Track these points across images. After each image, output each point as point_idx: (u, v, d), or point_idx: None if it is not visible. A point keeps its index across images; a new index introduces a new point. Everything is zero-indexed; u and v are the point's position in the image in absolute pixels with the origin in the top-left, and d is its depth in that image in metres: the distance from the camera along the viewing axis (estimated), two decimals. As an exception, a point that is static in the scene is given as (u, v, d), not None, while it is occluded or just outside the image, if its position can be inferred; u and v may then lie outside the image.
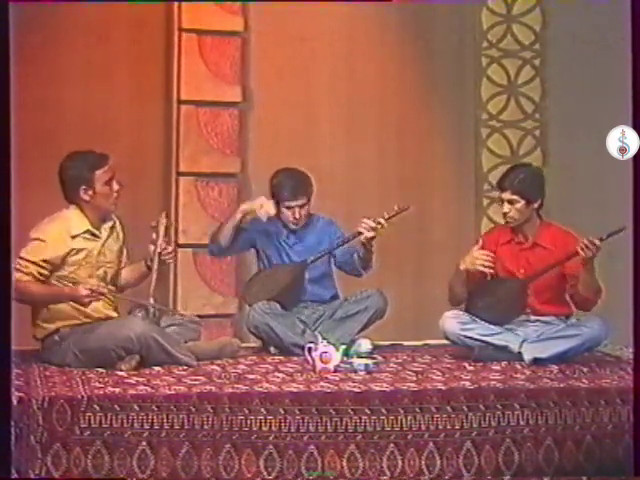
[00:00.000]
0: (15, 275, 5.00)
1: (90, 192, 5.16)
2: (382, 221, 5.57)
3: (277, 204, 5.78)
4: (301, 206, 5.76)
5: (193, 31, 6.77)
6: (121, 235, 5.34)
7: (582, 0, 6.80)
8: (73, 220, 5.17)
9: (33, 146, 6.04)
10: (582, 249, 5.26)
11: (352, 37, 7.04)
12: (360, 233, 5.61)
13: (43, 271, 5.06)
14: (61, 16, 6.42)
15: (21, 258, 5.03)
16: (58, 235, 5.10)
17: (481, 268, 5.44)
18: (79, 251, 5.13)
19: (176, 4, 6.73)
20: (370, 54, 7.08)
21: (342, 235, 5.80)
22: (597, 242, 5.24)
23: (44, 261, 5.05)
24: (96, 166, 5.16)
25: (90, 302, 5.03)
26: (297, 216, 5.76)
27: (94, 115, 6.56)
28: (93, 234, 5.19)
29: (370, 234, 5.58)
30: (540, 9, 7.32)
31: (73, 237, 5.14)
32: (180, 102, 6.78)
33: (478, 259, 5.44)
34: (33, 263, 5.04)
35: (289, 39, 6.90)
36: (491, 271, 5.47)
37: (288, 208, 5.76)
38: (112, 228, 5.28)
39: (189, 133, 6.79)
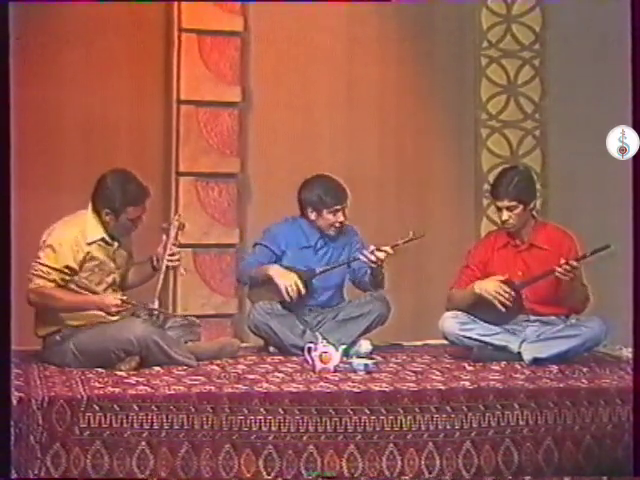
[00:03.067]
0: (36, 281, 5.01)
1: (112, 217, 5.13)
2: (389, 250, 5.52)
3: (317, 212, 5.73)
4: (343, 209, 5.75)
5: (193, 31, 6.76)
6: (128, 250, 5.33)
7: (582, 0, 6.80)
8: (89, 226, 5.14)
9: (33, 146, 6.04)
10: (561, 273, 5.28)
11: (352, 37, 7.04)
12: (367, 257, 5.55)
13: (65, 277, 5.06)
14: (61, 16, 6.42)
15: (42, 264, 5.02)
16: (75, 241, 5.09)
17: (496, 302, 5.41)
18: (93, 258, 5.13)
19: (176, 4, 6.72)
20: (370, 54, 7.08)
21: (360, 247, 5.75)
22: (575, 264, 5.27)
23: (66, 267, 5.05)
24: (131, 202, 5.11)
25: (118, 312, 5.03)
26: (341, 219, 5.73)
27: (94, 115, 6.55)
28: (107, 242, 5.19)
29: (378, 259, 5.53)
30: (540, 9, 7.31)
31: (89, 244, 5.13)
32: (180, 102, 6.78)
33: (499, 293, 5.41)
34: (55, 270, 5.03)
35: (289, 39, 6.90)
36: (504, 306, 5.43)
37: (334, 212, 5.72)
38: (121, 244, 5.27)
39: (189, 133, 6.79)
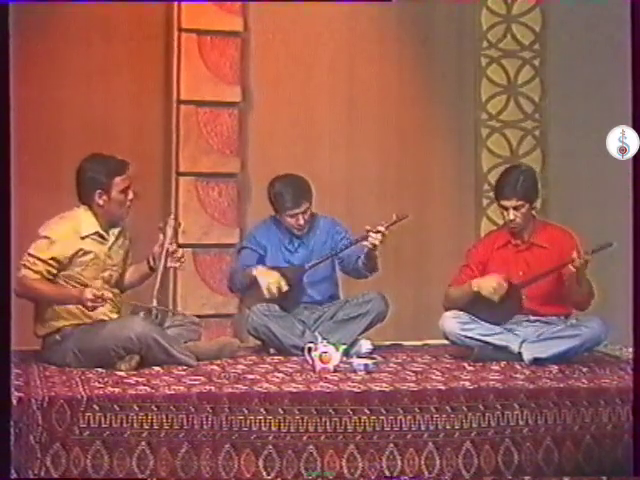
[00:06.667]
0: (22, 271, 5.02)
1: (105, 197, 5.15)
2: (383, 229, 5.50)
3: (278, 212, 5.77)
4: (304, 212, 5.75)
5: (193, 31, 6.76)
6: (128, 239, 5.34)
7: (582, 0, 6.80)
8: (83, 220, 5.17)
9: (33, 146, 6.04)
10: (575, 266, 5.27)
11: (352, 37, 7.04)
12: (362, 240, 5.55)
13: (51, 269, 5.06)
14: (61, 16, 6.42)
15: (30, 255, 5.03)
16: (67, 234, 5.11)
17: (495, 297, 5.41)
18: (87, 252, 5.14)
19: (176, 4, 6.72)
20: (370, 54, 7.08)
21: (346, 235, 5.78)
22: (589, 257, 5.26)
23: (53, 259, 5.05)
24: (115, 173, 5.16)
25: (94, 307, 5.01)
26: (301, 222, 5.74)
27: (94, 115, 6.55)
28: (102, 236, 5.19)
29: (375, 242, 5.52)
30: (540, 9, 7.31)
31: (82, 238, 5.14)
32: (180, 102, 6.78)
33: (495, 289, 5.41)
34: (42, 261, 5.03)
35: (289, 39, 6.90)
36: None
37: (292, 216, 5.74)
38: (120, 232, 5.28)
39: (189, 133, 6.79)
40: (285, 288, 5.63)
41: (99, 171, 5.15)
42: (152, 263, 5.31)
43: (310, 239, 5.83)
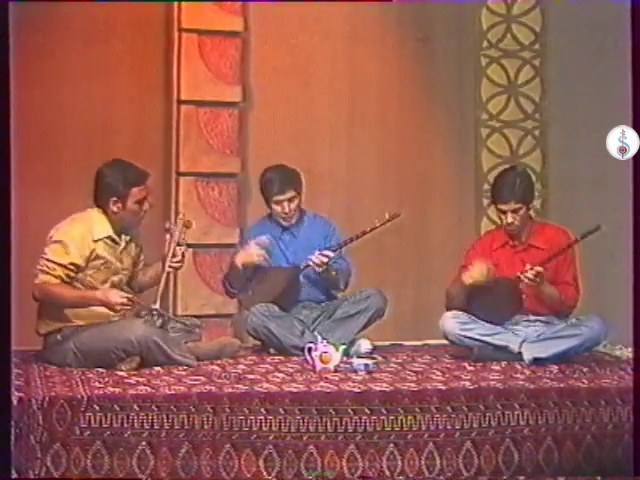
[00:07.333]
0: (41, 277, 5.01)
1: (119, 205, 5.14)
2: (329, 253, 5.60)
3: (267, 201, 5.79)
4: (290, 200, 5.75)
5: (193, 31, 6.76)
6: (139, 246, 5.33)
7: (582, 0, 6.80)
8: (96, 223, 5.15)
9: (33, 146, 6.04)
10: (528, 279, 5.31)
11: (352, 37, 7.04)
12: (308, 265, 5.65)
13: (70, 273, 5.05)
14: (61, 16, 6.42)
15: (48, 260, 5.02)
16: (82, 238, 5.09)
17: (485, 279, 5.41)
18: (99, 256, 5.13)
19: (176, 4, 6.73)
20: (370, 54, 7.08)
21: (336, 239, 5.78)
22: (539, 269, 5.27)
23: (72, 264, 5.04)
24: (134, 183, 5.14)
25: (121, 310, 5.02)
26: (287, 210, 5.75)
27: (94, 115, 6.56)
28: (114, 240, 5.18)
29: (317, 269, 5.62)
30: (540, 9, 7.31)
31: (95, 241, 5.12)
32: (180, 102, 6.78)
33: (490, 268, 5.40)
34: (61, 266, 5.02)
35: (289, 39, 6.90)
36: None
37: (277, 203, 5.75)
38: (132, 238, 5.27)
39: (189, 133, 6.79)
40: (265, 254, 5.64)
41: (117, 179, 5.13)
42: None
43: (299, 231, 5.83)
